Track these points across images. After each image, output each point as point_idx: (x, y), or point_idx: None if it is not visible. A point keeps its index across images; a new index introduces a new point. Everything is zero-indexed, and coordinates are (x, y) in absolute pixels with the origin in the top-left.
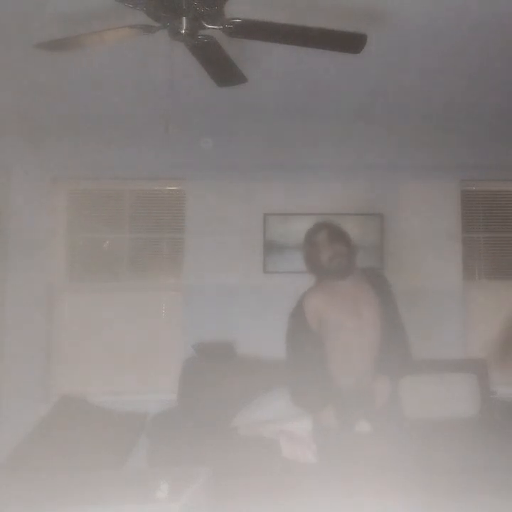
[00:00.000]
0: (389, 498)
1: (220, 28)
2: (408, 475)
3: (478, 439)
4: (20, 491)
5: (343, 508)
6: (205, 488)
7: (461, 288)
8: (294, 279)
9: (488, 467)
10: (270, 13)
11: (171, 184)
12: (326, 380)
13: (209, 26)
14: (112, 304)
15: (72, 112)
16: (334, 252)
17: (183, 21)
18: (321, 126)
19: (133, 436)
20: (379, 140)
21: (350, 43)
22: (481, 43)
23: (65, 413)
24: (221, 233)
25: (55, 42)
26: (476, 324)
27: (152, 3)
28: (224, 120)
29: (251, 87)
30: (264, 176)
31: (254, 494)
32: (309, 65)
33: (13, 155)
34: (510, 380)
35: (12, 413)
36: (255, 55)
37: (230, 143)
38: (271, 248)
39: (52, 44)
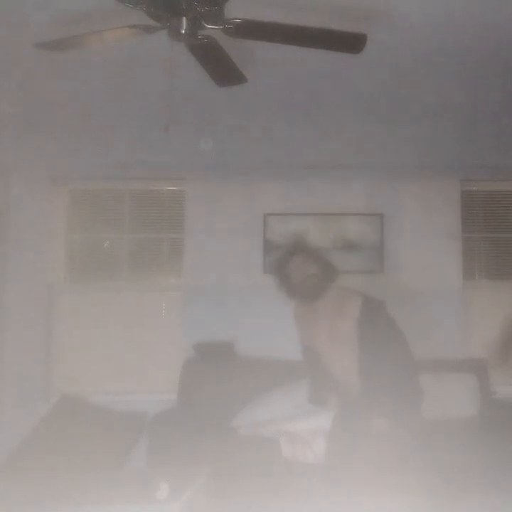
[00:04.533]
0: (389, 499)
1: (220, 28)
2: (408, 475)
3: (478, 439)
4: (20, 491)
5: (343, 509)
6: (205, 488)
7: (461, 288)
8: None
9: (488, 467)
10: (270, 13)
11: (171, 184)
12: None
13: (209, 26)
14: (111, 304)
15: (72, 111)
16: (305, 275)
17: (183, 21)
18: (320, 126)
19: (133, 436)
20: (379, 140)
21: (350, 43)
22: (481, 43)
23: (65, 413)
24: (221, 233)
25: (55, 42)
26: (476, 324)
27: (152, 3)
28: (224, 120)
29: (251, 87)
30: (264, 175)
31: (254, 494)
32: (309, 64)
33: (13, 155)
34: (510, 380)
35: (12, 413)
36: (255, 55)
37: (230, 143)
38: (271, 248)
39: (52, 44)
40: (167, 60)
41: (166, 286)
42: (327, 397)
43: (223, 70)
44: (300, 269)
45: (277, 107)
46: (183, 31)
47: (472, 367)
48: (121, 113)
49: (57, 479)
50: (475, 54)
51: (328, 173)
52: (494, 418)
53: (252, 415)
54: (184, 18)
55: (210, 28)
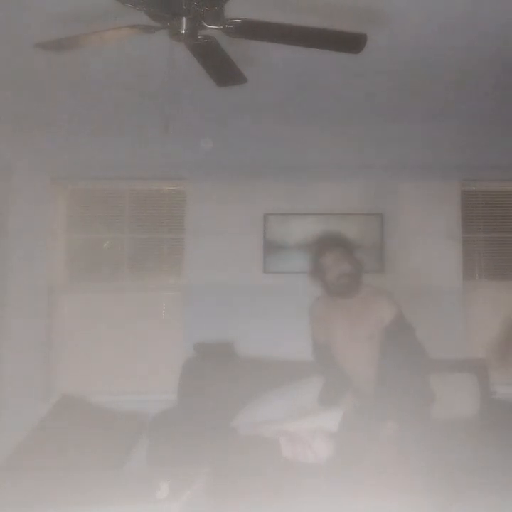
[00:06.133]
0: (389, 499)
1: (220, 28)
2: (408, 475)
3: (478, 439)
4: (20, 491)
5: (343, 509)
6: (205, 488)
7: (461, 288)
8: (294, 279)
9: (488, 467)
10: (270, 13)
11: (171, 184)
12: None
13: (209, 26)
14: (111, 304)
15: (72, 111)
16: (340, 272)
17: (183, 21)
18: (320, 126)
19: (133, 436)
20: (379, 140)
21: (351, 43)
22: (481, 43)
23: (65, 413)
24: (221, 233)
25: (55, 42)
26: (476, 324)
27: (152, 4)
28: (224, 120)
29: (251, 87)
30: (264, 175)
31: (254, 494)
32: (309, 65)
33: (13, 155)
34: (510, 380)
35: (12, 413)
36: (255, 55)
37: (230, 143)
38: (271, 248)
39: (52, 44)
40: (167, 60)
41: (166, 286)
42: (339, 396)
43: (223, 70)
44: (334, 265)
45: (277, 107)
46: (183, 31)
47: (472, 367)
48: (121, 113)
49: (57, 479)
50: (475, 54)
51: (328, 173)
52: (494, 418)
53: (252, 415)
54: (184, 18)
55: (210, 28)
